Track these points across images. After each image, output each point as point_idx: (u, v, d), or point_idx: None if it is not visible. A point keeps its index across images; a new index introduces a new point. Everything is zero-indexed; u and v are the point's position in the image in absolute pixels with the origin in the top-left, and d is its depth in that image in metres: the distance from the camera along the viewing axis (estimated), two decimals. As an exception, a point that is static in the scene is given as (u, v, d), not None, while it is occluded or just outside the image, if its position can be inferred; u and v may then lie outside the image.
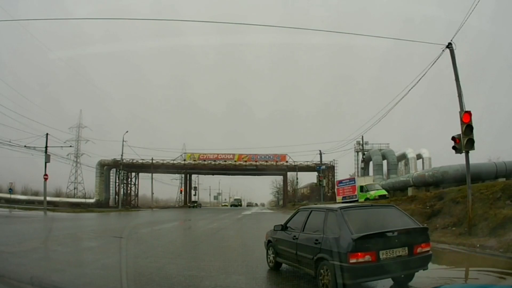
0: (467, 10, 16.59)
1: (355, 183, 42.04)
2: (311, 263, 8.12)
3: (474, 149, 16.26)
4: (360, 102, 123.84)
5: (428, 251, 7.86)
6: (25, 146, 44.43)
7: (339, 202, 39.50)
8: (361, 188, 40.08)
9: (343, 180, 47.12)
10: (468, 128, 16.15)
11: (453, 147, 16.52)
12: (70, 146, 51.69)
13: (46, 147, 45.82)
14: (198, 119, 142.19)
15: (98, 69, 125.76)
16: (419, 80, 21.24)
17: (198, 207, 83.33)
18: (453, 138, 16.49)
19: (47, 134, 46.17)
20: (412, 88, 22.14)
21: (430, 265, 8.00)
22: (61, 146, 49.60)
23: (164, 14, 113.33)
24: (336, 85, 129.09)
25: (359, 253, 7.04)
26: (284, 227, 9.99)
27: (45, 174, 45.32)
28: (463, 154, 16.49)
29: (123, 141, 61.72)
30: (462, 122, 16.20)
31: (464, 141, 16.05)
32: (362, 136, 54.66)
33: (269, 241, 10.71)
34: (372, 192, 38.43)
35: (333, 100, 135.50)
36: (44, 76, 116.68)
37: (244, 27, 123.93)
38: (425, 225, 9.69)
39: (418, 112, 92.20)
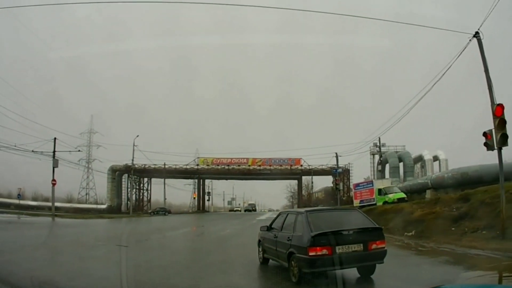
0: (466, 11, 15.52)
1: (372, 186, 40.25)
2: (285, 256, 9.70)
3: (507, 144, 14.86)
4: (373, 104, 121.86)
5: (383, 247, 9.04)
6: (32, 150, 43.65)
7: (356, 206, 38.15)
8: (379, 191, 38.57)
9: (360, 183, 45.34)
10: (501, 122, 14.76)
11: (485, 144, 15.16)
12: (79, 151, 50.70)
13: (54, 151, 44.91)
14: (204, 118, 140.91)
15: (103, 71, 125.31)
16: (444, 73, 19.95)
17: (164, 214, 69.99)
18: (485, 134, 15.12)
19: (55, 138, 45.29)
20: (436, 82, 20.90)
21: (465, 271, 8.75)
22: (69, 151, 48.38)
23: (164, 13, 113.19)
24: (348, 87, 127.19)
25: (317, 248, 8.44)
26: (269, 228, 11.66)
27: (53, 179, 44.28)
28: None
29: (133, 145, 60.85)
30: (494, 116, 14.88)
31: (497, 137, 14.68)
32: (379, 138, 52.81)
33: (259, 240, 12.47)
34: (390, 195, 37.00)
35: (346, 101, 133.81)
36: (50, 79, 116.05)
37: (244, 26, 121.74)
38: (381, 226, 10.73)
39: (432, 113, 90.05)
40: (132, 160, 63.06)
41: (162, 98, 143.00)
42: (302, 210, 10.46)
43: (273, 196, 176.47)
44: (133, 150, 60.84)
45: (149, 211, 73.20)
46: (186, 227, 32.46)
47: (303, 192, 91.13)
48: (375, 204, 37.44)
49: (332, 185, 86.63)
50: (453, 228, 17.39)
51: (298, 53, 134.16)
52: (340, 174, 58.80)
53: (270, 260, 11.67)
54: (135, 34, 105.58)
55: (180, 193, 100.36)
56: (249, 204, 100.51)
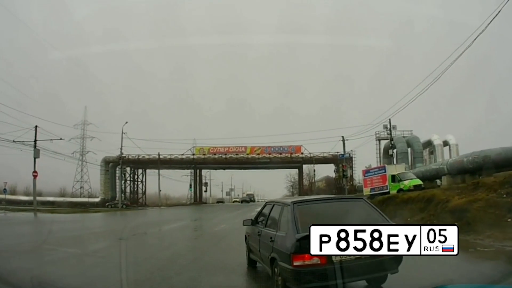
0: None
1: (385, 172, 36.43)
2: (268, 261, 7.63)
3: None
4: (375, 93, 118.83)
5: None
6: (13, 141, 40.26)
7: (363, 196, 34.90)
8: (393, 178, 35.07)
9: (371, 169, 41.42)
10: None
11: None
12: (60, 139, 46.78)
13: (35, 141, 41.56)
14: (201, 116, 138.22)
15: (99, 66, 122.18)
16: (483, 30, 16.63)
17: (123, 206, 64.16)
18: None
19: (36, 126, 42.13)
20: (477, 37, 17.64)
21: None
22: (51, 139, 44.64)
23: (164, 12, 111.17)
24: (351, 78, 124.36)
25: (305, 255, 6.06)
26: (253, 222, 9.47)
27: (34, 171, 40.94)
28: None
29: (122, 133, 57.66)
30: None
31: None
32: (390, 119, 49.08)
33: (245, 236, 10.40)
34: (406, 182, 33.63)
35: (347, 87, 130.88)
36: (45, 73, 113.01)
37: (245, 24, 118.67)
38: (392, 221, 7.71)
39: (441, 97, 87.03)
40: (121, 148, 60.84)
41: (160, 98, 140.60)
42: (289, 200, 7.75)
43: (273, 185, 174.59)
44: (122, 138, 57.84)
45: (106, 204, 68.66)
46: (175, 223, 28.78)
47: (304, 181, 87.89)
48: (388, 192, 34.03)
49: (334, 173, 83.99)
50: (509, 219, 13.89)
51: (299, 50, 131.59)
52: (347, 160, 54.26)
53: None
54: (134, 33, 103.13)
55: (179, 184, 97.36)
56: (247, 195, 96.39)
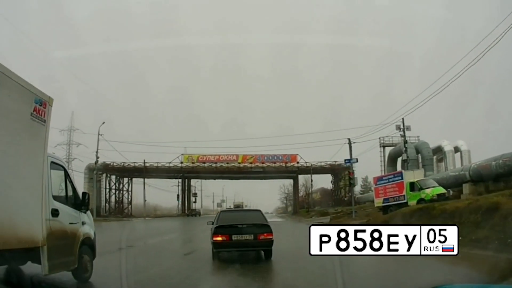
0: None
1: (402, 179, 31.29)
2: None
3: None
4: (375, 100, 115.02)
5: (270, 238, 12.39)
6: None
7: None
8: (412, 186, 30.01)
9: (384, 176, 35.48)
10: None
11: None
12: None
13: None
14: (197, 128, 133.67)
15: (94, 71, 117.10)
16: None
17: None
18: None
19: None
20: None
21: None
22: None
23: (163, 15, 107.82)
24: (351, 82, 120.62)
25: (219, 235, 12.24)
26: (213, 223, 13.89)
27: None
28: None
29: (98, 134, 54.78)
30: None
31: None
32: (403, 119, 43.42)
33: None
34: (427, 191, 28.64)
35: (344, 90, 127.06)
36: (42, 78, 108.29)
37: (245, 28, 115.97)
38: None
39: (446, 100, 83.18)
40: (97, 152, 57.56)
41: (153, 104, 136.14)
42: (220, 210, 17.83)
43: (268, 196, 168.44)
44: (98, 140, 55.13)
45: None
46: (157, 236, 23.94)
47: (301, 192, 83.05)
48: (406, 203, 29.22)
49: (331, 184, 79.33)
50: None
51: (298, 51, 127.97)
52: (350, 167, 47.46)
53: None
54: (131, 33, 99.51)
55: (169, 195, 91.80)
56: (235, 206, 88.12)
